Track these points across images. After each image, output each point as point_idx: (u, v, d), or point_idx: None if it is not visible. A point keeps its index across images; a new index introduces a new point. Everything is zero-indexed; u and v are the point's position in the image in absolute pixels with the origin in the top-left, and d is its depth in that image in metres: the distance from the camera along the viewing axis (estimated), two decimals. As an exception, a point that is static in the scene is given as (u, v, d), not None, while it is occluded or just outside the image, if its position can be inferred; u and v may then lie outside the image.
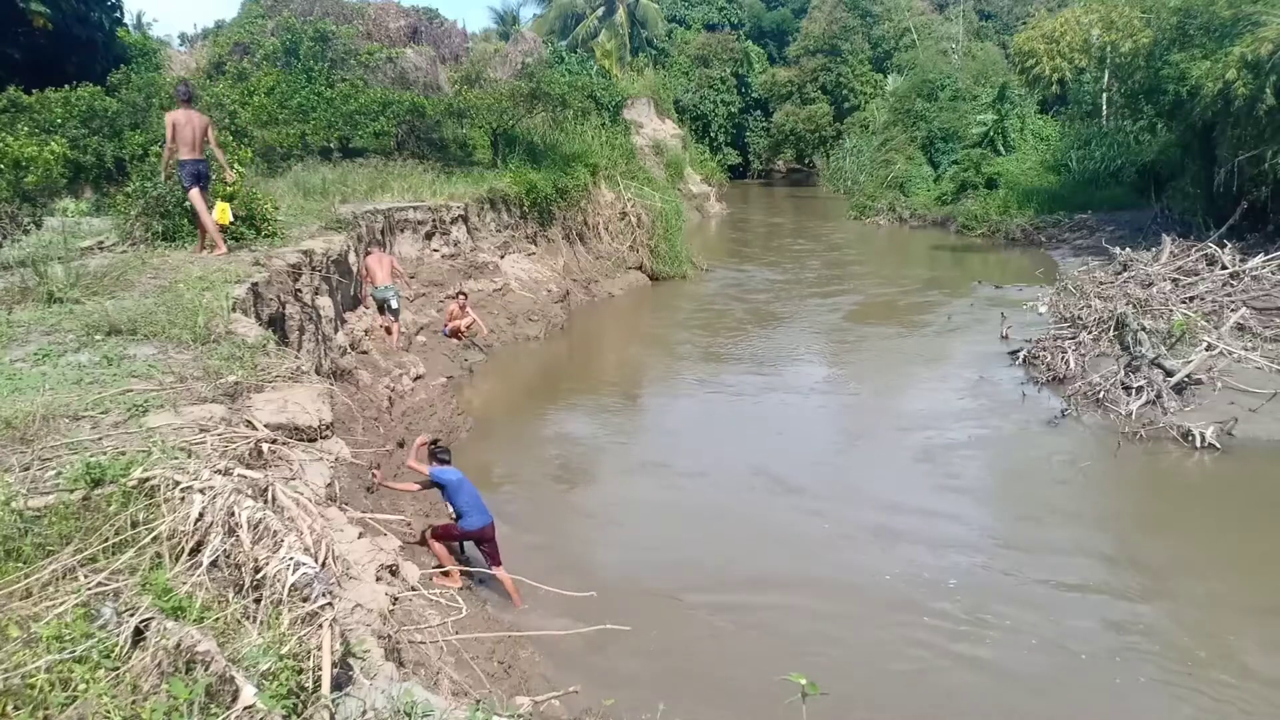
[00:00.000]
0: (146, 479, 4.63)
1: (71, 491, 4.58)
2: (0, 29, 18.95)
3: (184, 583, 4.00)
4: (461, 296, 16.37)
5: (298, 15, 27.29)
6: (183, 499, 4.47)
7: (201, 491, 4.47)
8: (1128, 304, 15.55)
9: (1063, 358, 14.20)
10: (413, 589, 5.98)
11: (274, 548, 4.15)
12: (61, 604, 3.75)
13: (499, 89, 23.31)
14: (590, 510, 10.28)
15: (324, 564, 4.38)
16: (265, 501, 4.69)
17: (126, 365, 6.95)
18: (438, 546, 8.22)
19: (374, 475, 8.43)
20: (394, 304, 14.37)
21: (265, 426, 6.18)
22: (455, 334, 15.89)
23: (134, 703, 3.30)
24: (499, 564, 8.12)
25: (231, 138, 14.08)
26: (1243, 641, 7.20)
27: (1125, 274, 19.01)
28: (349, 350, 13.28)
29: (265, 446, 5.82)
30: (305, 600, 3.87)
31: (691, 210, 36.48)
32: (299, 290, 11.50)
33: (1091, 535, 9.32)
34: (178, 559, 4.20)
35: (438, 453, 8.47)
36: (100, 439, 5.41)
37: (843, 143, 49.93)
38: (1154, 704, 6.49)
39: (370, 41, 27.69)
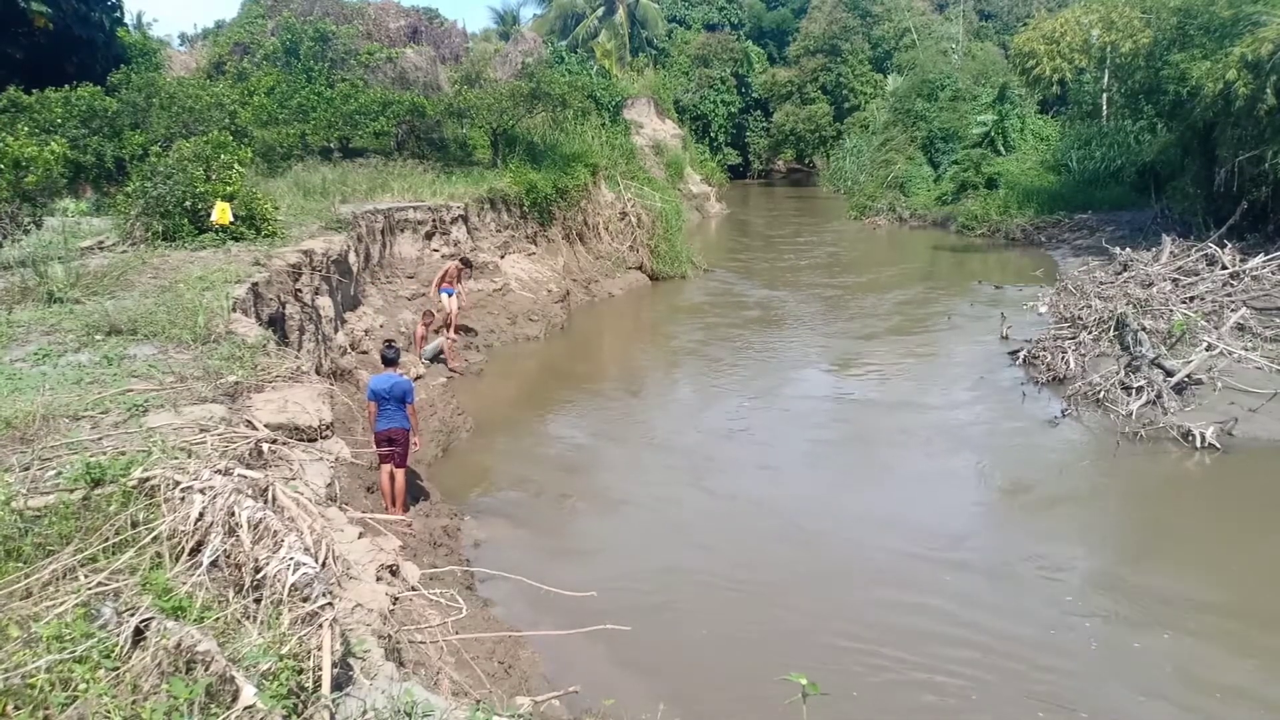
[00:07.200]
0: (146, 479, 4.64)
1: (71, 491, 4.59)
2: (0, 29, 18.96)
3: (184, 583, 4.00)
4: (460, 261, 16.23)
5: (298, 15, 27.32)
6: (183, 499, 4.48)
7: (201, 491, 4.48)
8: (1128, 304, 15.52)
9: (1063, 358, 14.18)
10: (413, 589, 5.97)
11: (274, 548, 4.16)
12: (61, 604, 3.75)
13: (499, 89, 23.29)
14: (590, 510, 10.26)
15: (324, 564, 4.38)
16: (265, 501, 4.69)
17: (126, 365, 6.96)
18: (382, 478, 8.69)
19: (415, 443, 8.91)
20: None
21: (265, 426, 6.20)
22: (453, 328, 15.90)
23: (134, 703, 3.30)
24: (399, 466, 8.66)
25: (232, 138, 14.08)
26: (1244, 644, 7.20)
27: (1125, 274, 19.00)
28: (349, 350, 13.29)
29: (265, 446, 5.83)
30: (305, 600, 3.88)
31: (691, 210, 36.47)
32: (299, 290, 11.51)
33: (1090, 535, 9.32)
34: (178, 559, 4.20)
35: (385, 353, 9.09)
36: (100, 439, 5.42)
37: (843, 143, 49.88)
38: (1152, 704, 6.48)
39: (370, 41, 27.72)
